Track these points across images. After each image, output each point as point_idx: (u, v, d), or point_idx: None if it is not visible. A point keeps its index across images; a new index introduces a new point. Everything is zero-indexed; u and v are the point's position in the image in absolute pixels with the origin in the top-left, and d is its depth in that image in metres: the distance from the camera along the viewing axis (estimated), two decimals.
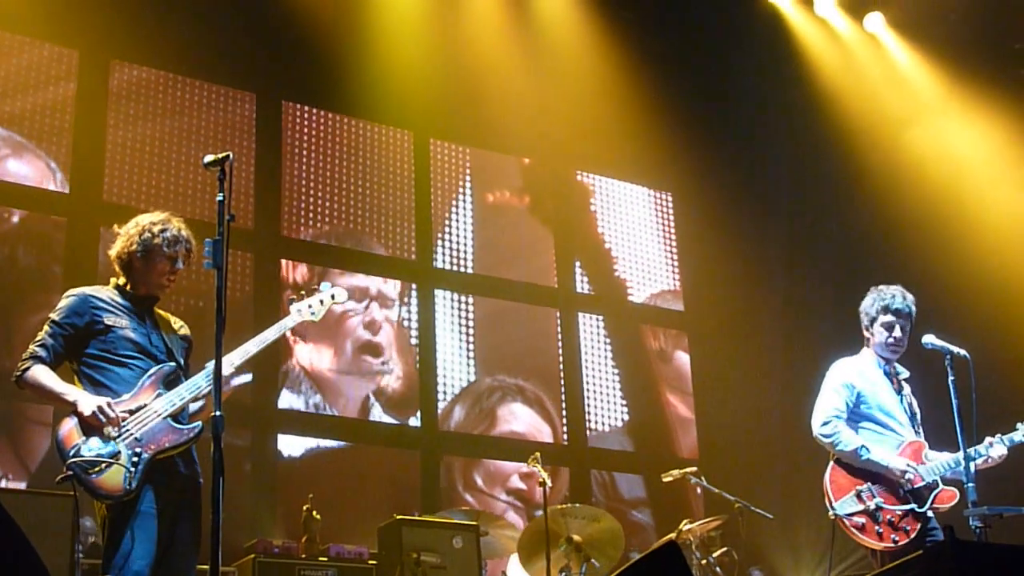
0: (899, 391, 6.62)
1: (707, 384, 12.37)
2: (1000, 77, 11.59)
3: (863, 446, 6.28)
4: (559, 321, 11.79)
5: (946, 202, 11.41)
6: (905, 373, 6.69)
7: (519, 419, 11.12)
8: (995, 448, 6.34)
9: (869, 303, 6.64)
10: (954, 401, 5.98)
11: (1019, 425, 6.48)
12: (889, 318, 6.55)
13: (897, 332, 6.54)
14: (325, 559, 8.08)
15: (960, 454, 6.13)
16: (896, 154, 11.56)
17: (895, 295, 6.60)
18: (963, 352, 6.13)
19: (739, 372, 12.12)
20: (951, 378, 6.04)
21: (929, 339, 6.30)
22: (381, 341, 10.69)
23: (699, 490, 9.65)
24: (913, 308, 6.64)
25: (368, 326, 10.62)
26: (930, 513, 6.26)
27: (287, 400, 10.10)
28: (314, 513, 8.24)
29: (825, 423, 6.38)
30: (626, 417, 11.90)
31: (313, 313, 5.83)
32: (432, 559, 7.72)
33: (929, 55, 11.90)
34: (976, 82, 11.53)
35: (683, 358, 12.50)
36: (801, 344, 11.78)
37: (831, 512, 6.22)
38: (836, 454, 6.35)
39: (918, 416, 6.63)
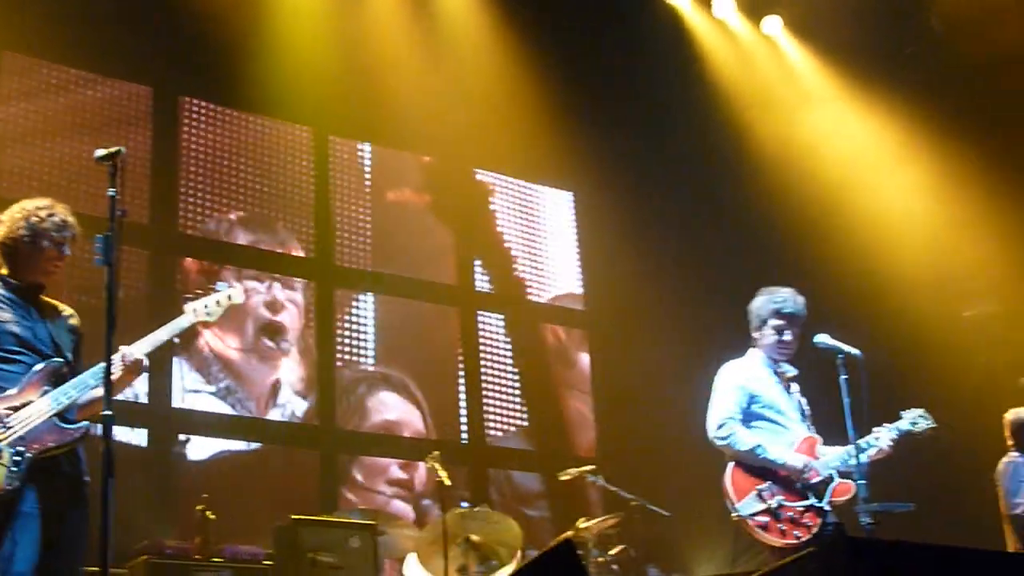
0: (787, 389, 6.65)
1: (606, 383, 12.44)
2: (892, 80, 11.77)
3: (759, 445, 6.30)
4: (459, 320, 11.77)
5: (838, 201, 11.60)
6: (792, 371, 6.70)
7: (390, 407, 11.01)
8: (883, 437, 6.40)
9: (760, 305, 6.64)
10: (845, 399, 6.04)
11: (903, 413, 6.56)
12: (780, 322, 6.57)
13: (787, 336, 6.58)
14: (220, 560, 7.93)
15: (851, 447, 6.20)
16: (791, 154, 11.68)
17: (786, 299, 6.62)
18: (855, 351, 6.17)
19: (638, 372, 12.17)
20: (843, 376, 6.08)
21: (821, 338, 6.34)
22: (283, 321, 10.57)
23: (597, 489, 9.64)
24: (804, 311, 6.66)
25: (270, 306, 10.49)
26: (827, 507, 6.30)
27: (196, 383, 9.93)
28: (208, 513, 8.09)
29: (720, 426, 6.40)
30: (525, 416, 11.89)
31: (209, 313, 5.72)
32: (329, 559, 7.65)
33: (825, 58, 12.07)
34: (869, 84, 11.73)
35: (584, 358, 12.54)
36: (697, 343, 11.84)
37: (734, 513, 6.22)
38: (734, 455, 6.36)
39: (808, 412, 6.67)
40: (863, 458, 6.28)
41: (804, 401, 6.71)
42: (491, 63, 11.44)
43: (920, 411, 6.56)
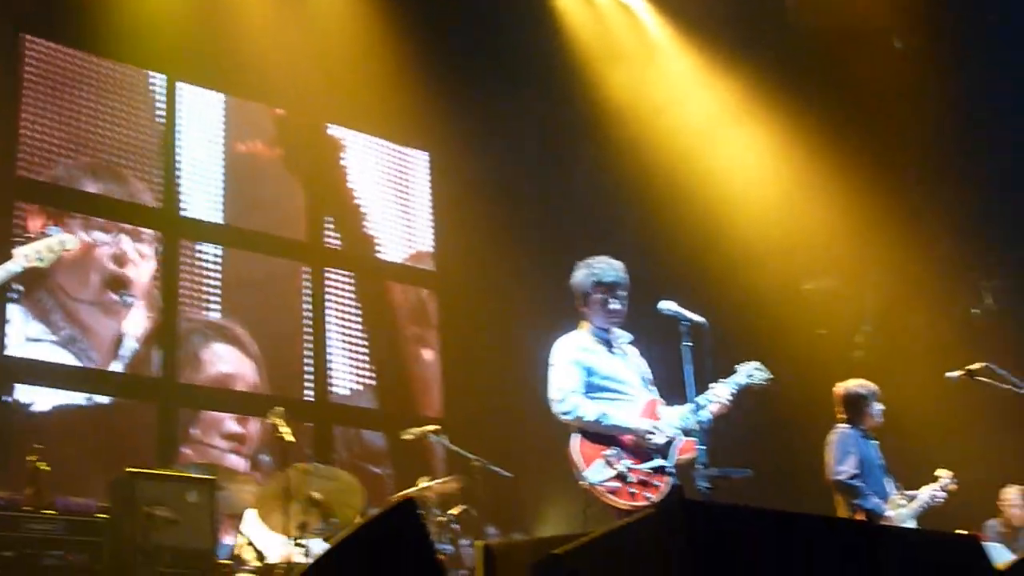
0: (625, 356, 6.68)
1: (455, 345, 12.46)
2: (743, 49, 11.93)
3: (604, 413, 6.31)
4: (307, 276, 11.64)
5: (685, 166, 11.76)
6: (628, 337, 6.72)
7: (223, 360, 10.87)
8: (720, 392, 6.47)
9: (579, 279, 6.63)
10: (687, 366, 6.04)
11: (738, 367, 6.64)
12: (601, 293, 6.58)
13: (613, 304, 6.57)
14: (51, 512, 7.71)
15: (692, 404, 6.28)
16: (640, 115, 11.79)
17: (604, 268, 6.61)
18: (699, 318, 6.18)
19: (487, 334, 12.23)
20: (686, 343, 6.08)
21: (666, 305, 6.30)
22: (129, 274, 10.33)
23: (441, 449, 9.63)
24: (625, 277, 6.66)
25: (116, 258, 10.25)
26: (674, 468, 6.36)
27: (38, 332, 9.66)
28: (40, 464, 7.84)
29: (561, 401, 6.39)
30: (372, 374, 11.83)
31: (40, 259, 5.54)
32: (165, 513, 7.50)
33: (676, 21, 12.18)
34: (720, 50, 11.89)
35: (433, 318, 12.51)
36: (546, 306, 11.91)
37: (582, 482, 6.22)
38: (580, 426, 6.36)
39: (649, 376, 6.69)
40: (704, 414, 6.36)
41: (644, 364, 6.73)
42: (347, 18, 11.30)
43: (755, 364, 6.65)
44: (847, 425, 8.23)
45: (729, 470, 6.08)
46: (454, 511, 8.98)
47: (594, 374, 6.51)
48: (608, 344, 6.64)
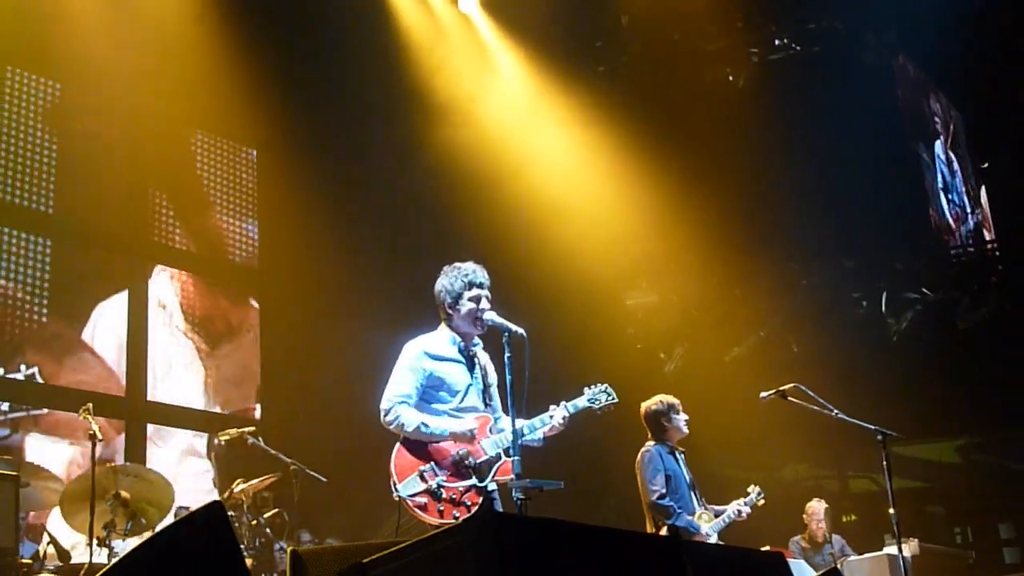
0: (471, 367, 6.65)
1: (275, 346, 12.34)
2: (580, 66, 12.10)
3: (422, 423, 6.28)
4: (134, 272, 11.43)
5: (516, 177, 11.90)
6: (479, 344, 6.70)
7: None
8: (556, 414, 6.47)
9: (450, 281, 6.58)
10: (508, 376, 6.05)
11: (586, 390, 6.65)
12: (475, 292, 6.55)
13: (484, 303, 6.55)
14: None
15: (523, 424, 6.28)
16: (476, 129, 11.82)
17: (475, 270, 6.61)
18: (520, 330, 6.19)
19: (308, 337, 12.17)
20: (507, 355, 6.08)
21: (489, 315, 6.36)
22: None
23: (258, 450, 9.48)
24: (487, 279, 6.66)
25: None
26: (493, 487, 6.35)
27: None
28: None
29: (387, 411, 6.35)
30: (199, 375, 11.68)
31: None
32: None
33: (517, 38, 12.22)
34: (559, 67, 12.00)
35: (254, 317, 12.42)
36: (371, 311, 11.96)
37: (395, 493, 6.18)
38: (401, 434, 6.33)
39: (491, 389, 6.67)
40: (537, 435, 6.42)
41: (490, 376, 6.71)
42: (174, 18, 11.08)
43: (604, 386, 6.66)
44: (652, 442, 8.34)
45: (542, 482, 6.05)
46: (267, 515, 8.90)
47: (433, 382, 6.49)
48: (461, 352, 6.61)
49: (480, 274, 6.61)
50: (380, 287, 12.12)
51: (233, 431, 8.98)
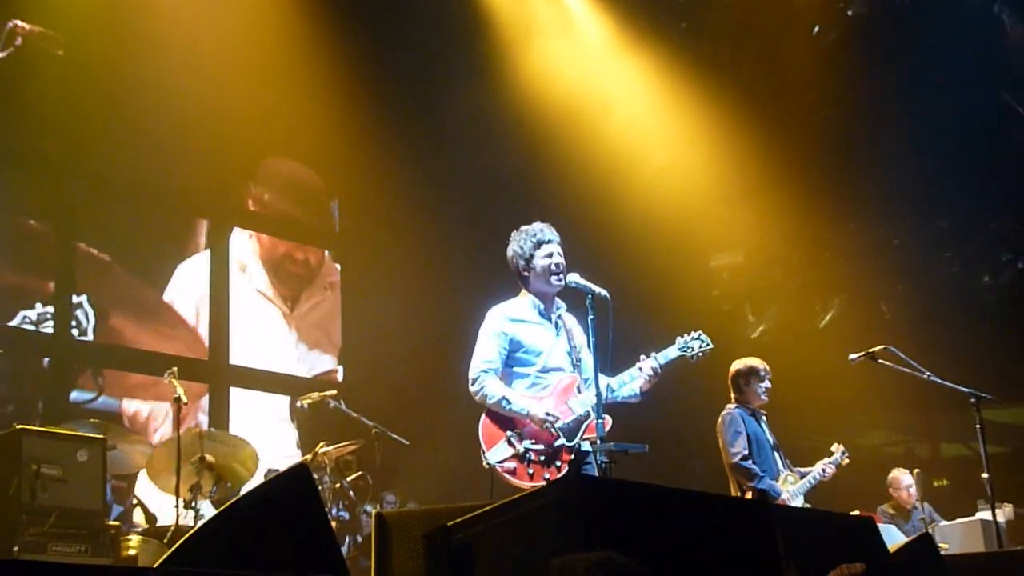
0: (557, 328, 6.67)
1: (357, 308, 12.45)
2: (663, 26, 12.01)
3: (504, 398, 6.37)
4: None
5: (599, 146, 11.83)
6: (562, 307, 6.73)
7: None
8: (646, 364, 6.51)
9: (519, 243, 6.64)
10: (592, 338, 6.13)
11: (677, 339, 6.67)
12: (546, 248, 6.60)
13: (557, 258, 6.59)
14: None
15: (610, 380, 6.35)
16: (549, 91, 11.79)
17: (541, 228, 6.65)
18: (602, 291, 6.23)
19: (390, 302, 12.23)
20: (591, 316, 6.15)
21: (572, 277, 6.40)
22: None
23: (340, 414, 9.55)
24: (557, 236, 6.69)
25: None
26: (586, 446, 6.35)
27: None
28: None
29: (474, 380, 6.46)
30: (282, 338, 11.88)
31: None
32: (53, 472, 7.32)
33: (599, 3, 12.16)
34: (642, 31, 11.93)
35: (334, 282, 12.59)
36: (447, 283, 12.07)
37: (485, 461, 6.30)
38: (487, 406, 6.42)
39: (579, 349, 6.68)
40: (634, 389, 6.48)
41: (579, 333, 6.73)
42: None
43: (697, 333, 6.68)
44: (734, 404, 8.35)
45: (626, 445, 6.08)
46: (350, 478, 8.99)
47: (518, 347, 6.56)
48: (543, 315, 6.66)
49: (547, 231, 6.67)
50: (463, 254, 12.16)
51: (315, 395, 9.09)
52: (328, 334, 12.40)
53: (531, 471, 6.26)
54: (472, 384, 6.47)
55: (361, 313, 12.44)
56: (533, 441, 6.32)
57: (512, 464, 6.27)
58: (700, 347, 6.68)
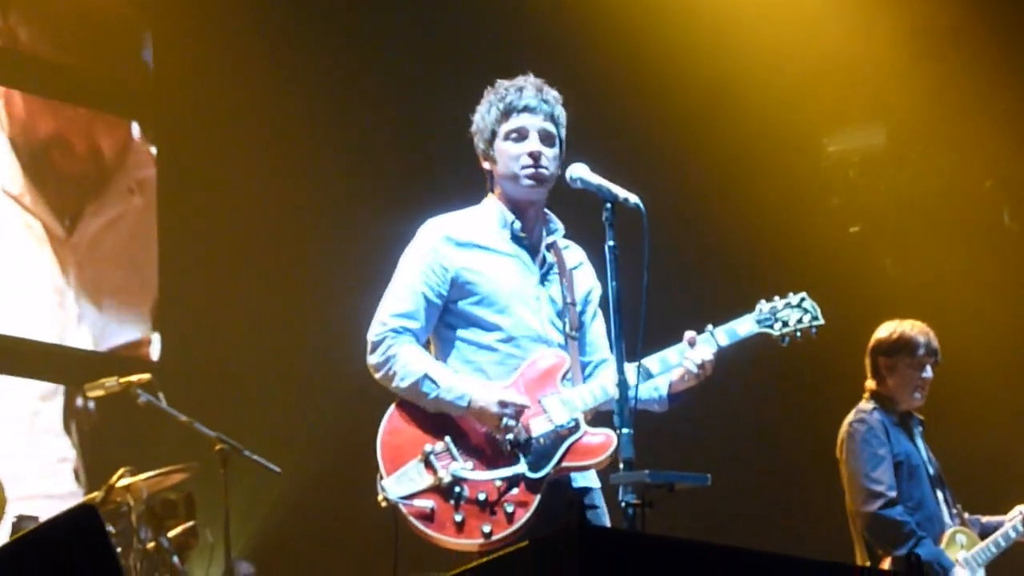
0: (543, 267, 6.63)
1: (184, 233, 12.59)
2: None
3: (427, 376, 6.28)
4: None
5: None
6: (560, 230, 6.73)
7: None
8: (697, 350, 6.35)
9: (482, 111, 6.64)
10: (612, 283, 6.03)
11: (759, 305, 6.56)
12: (515, 121, 6.53)
13: (533, 143, 6.50)
14: None
15: (635, 367, 6.17)
16: None
17: (518, 87, 6.58)
18: (632, 198, 6.12)
19: (246, 216, 12.48)
20: (609, 242, 6.05)
21: (577, 172, 6.29)
22: None
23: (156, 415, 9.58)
24: (559, 106, 6.62)
25: None
26: (586, 482, 6.43)
27: None
28: None
29: (375, 344, 6.42)
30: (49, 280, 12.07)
31: None
32: None
33: None
34: None
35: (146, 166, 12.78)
36: (353, 179, 12.30)
37: (381, 493, 6.18)
38: (398, 392, 6.37)
39: (576, 307, 6.67)
40: (659, 390, 6.43)
41: (577, 288, 6.71)
42: None
43: (798, 297, 6.59)
44: (871, 404, 8.42)
45: (671, 475, 6.01)
46: (173, 532, 9.02)
47: (467, 293, 6.50)
48: (518, 240, 6.60)
49: (528, 92, 6.60)
50: (388, 129, 12.38)
51: (111, 381, 9.06)
52: (134, 274, 12.48)
53: (460, 517, 6.17)
54: (372, 351, 6.42)
55: (194, 236, 12.51)
56: (471, 462, 6.25)
57: (428, 502, 6.17)
58: (800, 321, 6.60)
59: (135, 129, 12.83)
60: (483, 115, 6.64)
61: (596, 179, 6.29)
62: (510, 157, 6.52)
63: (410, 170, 10.71)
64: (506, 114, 6.56)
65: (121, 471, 8.81)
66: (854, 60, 12.48)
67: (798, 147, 12.42)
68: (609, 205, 6.18)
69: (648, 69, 11.78)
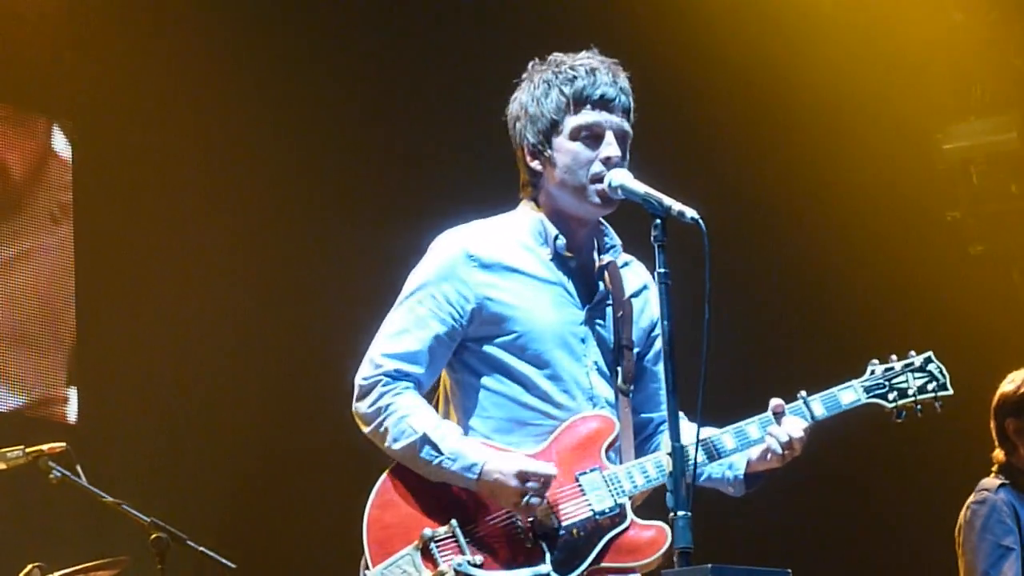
0: (593, 299, 6.51)
1: (110, 264, 12.51)
2: None
3: (425, 438, 6.21)
4: None
5: None
6: (617, 247, 6.62)
7: None
8: (787, 422, 6.21)
9: (533, 96, 6.51)
10: (664, 321, 5.89)
11: (871, 366, 6.41)
12: (589, 116, 6.36)
13: (613, 149, 6.36)
14: None
15: (704, 437, 6.03)
16: None
17: (592, 67, 6.40)
18: (689, 212, 5.98)
19: (185, 234, 12.47)
20: (660, 269, 5.91)
21: (618, 178, 6.19)
22: None
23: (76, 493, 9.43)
24: (628, 100, 6.48)
25: None
26: None
27: None
28: None
29: (365, 387, 6.35)
30: None
31: None
32: None
33: None
34: None
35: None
36: (337, 191, 12.38)
37: None
38: (392, 453, 6.33)
39: (635, 349, 6.57)
40: (732, 469, 6.34)
41: (633, 325, 6.53)
42: None
43: (921, 359, 6.45)
44: (1000, 480, 8.31)
45: (744, 571, 5.88)
46: None
47: (490, 328, 6.37)
48: (559, 259, 6.43)
49: (605, 78, 6.42)
50: (373, 129, 12.41)
51: (15, 452, 8.89)
52: (47, 318, 12.36)
53: None
54: (360, 398, 6.34)
55: (120, 270, 12.43)
56: (482, 555, 6.13)
57: None
58: (922, 391, 6.51)
59: (57, 136, 12.67)
60: (537, 99, 6.51)
61: (642, 188, 6.21)
62: (578, 162, 6.40)
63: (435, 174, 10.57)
64: (577, 104, 6.40)
65: (29, 567, 8.77)
66: (973, 39, 12.43)
67: (905, 146, 12.40)
68: (659, 221, 6.01)
69: (704, 59, 12.07)
